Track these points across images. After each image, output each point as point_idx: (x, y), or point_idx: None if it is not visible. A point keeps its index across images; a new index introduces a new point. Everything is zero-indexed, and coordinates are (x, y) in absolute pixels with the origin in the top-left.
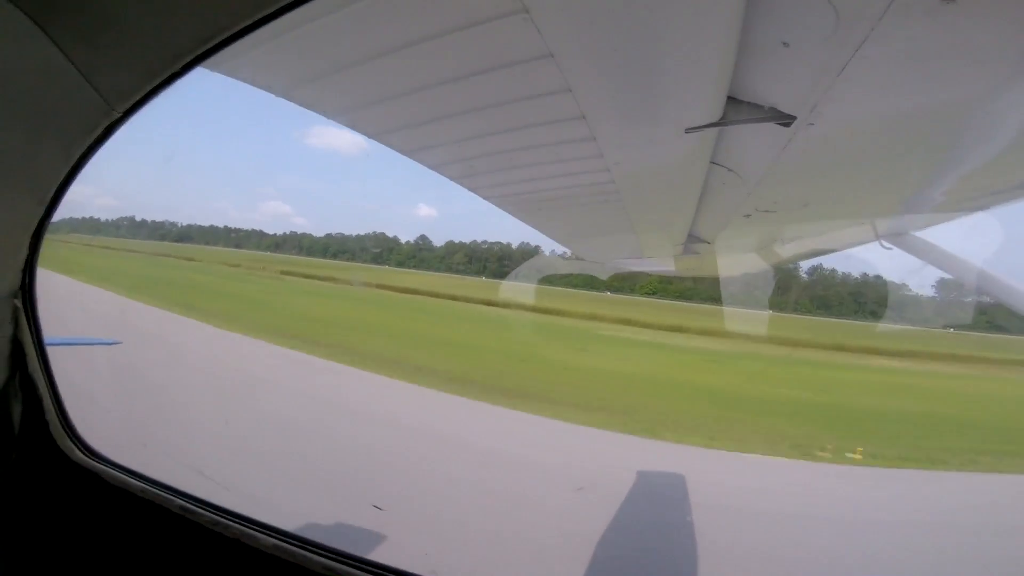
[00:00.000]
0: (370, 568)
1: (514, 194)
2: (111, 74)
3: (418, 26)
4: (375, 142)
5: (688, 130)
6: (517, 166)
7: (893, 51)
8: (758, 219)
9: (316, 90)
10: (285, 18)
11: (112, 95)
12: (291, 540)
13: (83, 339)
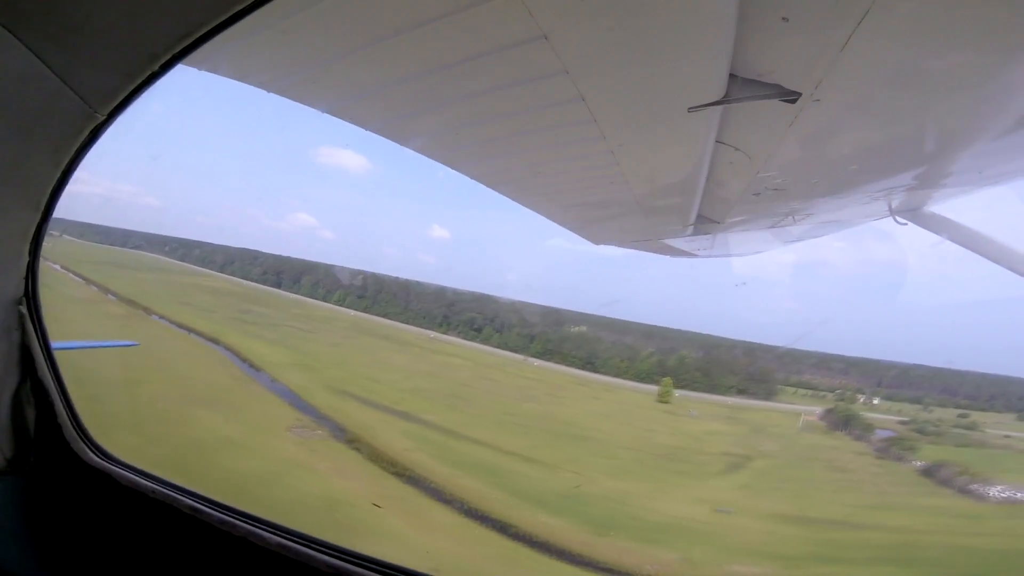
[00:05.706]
0: (374, 566)
1: (515, 180)
2: (89, 77)
3: (403, 14)
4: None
5: (691, 109)
6: (516, 151)
7: (898, 22)
8: (768, 197)
9: (306, 84)
10: (267, 11)
11: (93, 98)
12: (296, 538)
13: (98, 343)
